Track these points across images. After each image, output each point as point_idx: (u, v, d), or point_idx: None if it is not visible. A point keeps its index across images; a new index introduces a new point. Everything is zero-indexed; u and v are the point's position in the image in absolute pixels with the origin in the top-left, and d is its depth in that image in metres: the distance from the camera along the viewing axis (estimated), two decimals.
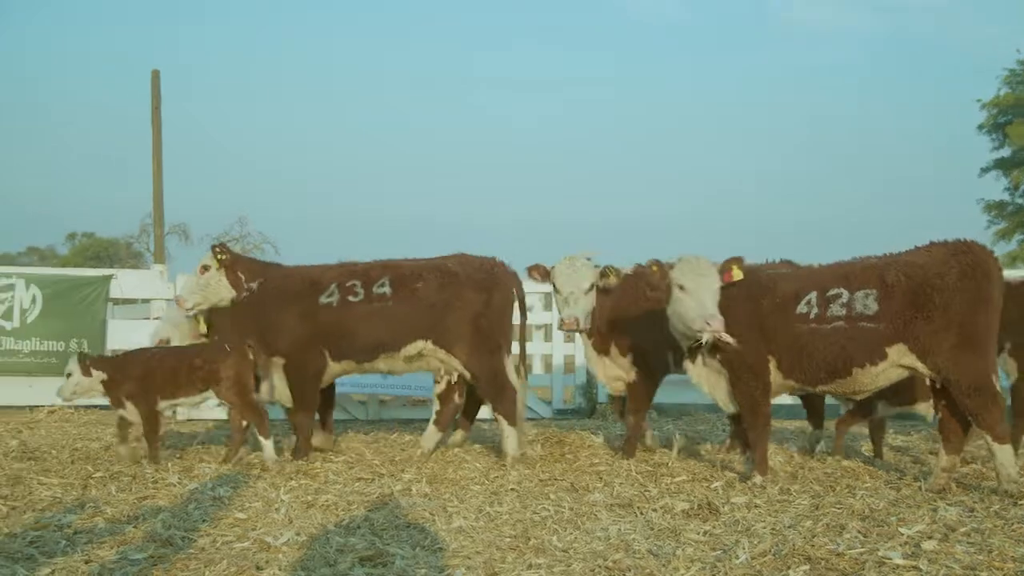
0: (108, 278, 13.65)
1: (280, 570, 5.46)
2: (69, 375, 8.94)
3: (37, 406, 12.74)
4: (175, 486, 7.91)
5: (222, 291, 9.54)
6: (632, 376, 9.66)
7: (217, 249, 9.60)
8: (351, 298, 9.40)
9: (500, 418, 9.50)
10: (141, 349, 9.67)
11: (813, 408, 9.79)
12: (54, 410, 12.78)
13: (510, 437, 9.42)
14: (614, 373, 9.80)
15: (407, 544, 6.00)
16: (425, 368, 9.88)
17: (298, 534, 6.23)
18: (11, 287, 13.35)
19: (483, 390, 9.64)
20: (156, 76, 16.47)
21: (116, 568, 5.50)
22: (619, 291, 9.47)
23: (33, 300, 13.35)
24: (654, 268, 8.16)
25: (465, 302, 9.43)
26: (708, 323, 7.66)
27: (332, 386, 10.52)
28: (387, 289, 9.41)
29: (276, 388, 9.47)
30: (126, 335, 13.67)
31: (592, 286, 9.21)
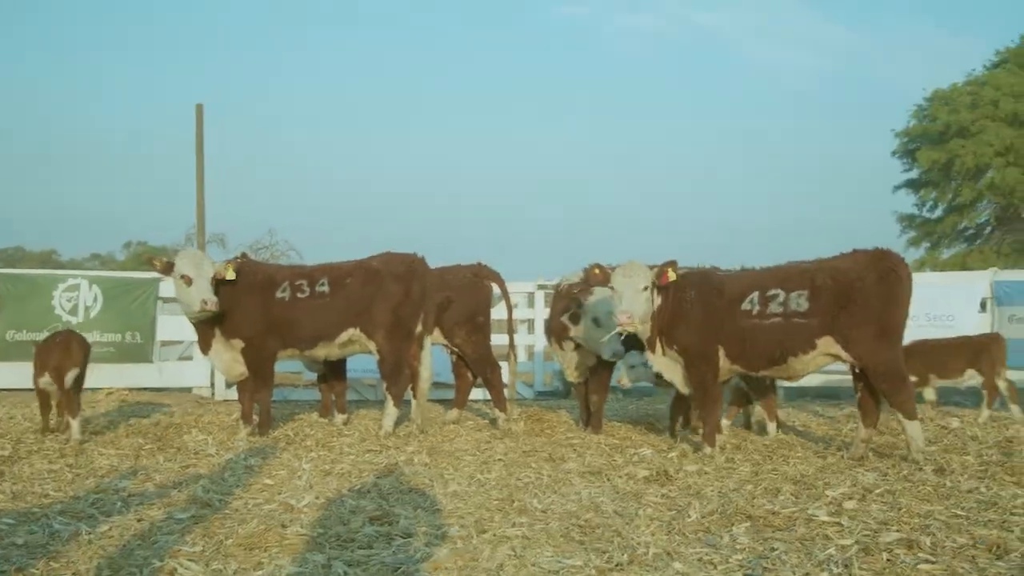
0: (157, 280, 13.51)
1: (302, 528, 5.42)
2: None
3: (97, 388, 12.64)
4: (213, 456, 7.87)
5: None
6: (592, 362, 9.65)
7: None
8: (299, 295, 9.36)
9: (388, 397, 9.44)
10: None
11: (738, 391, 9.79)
12: (111, 392, 12.69)
13: (391, 416, 9.37)
14: (575, 362, 9.85)
15: (410, 506, 5.97)
16: (356, 352, 9.82)
17: (317, 498, 6.20)
18: (77, 287, 13.27)
19: (384, 370, 9.52)
20: (200, 110, 16.32)
21: (163, 526, 5.46)
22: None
23: (95, 298, 13.28)
24: (596, 271, 8.26)
25: (387, 294, 9.38)
26: (619, 317, 7.93)
27: (344, 370, 10.51)
28: (326, 288, 9.39)
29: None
30: (172, 328, 13.58)
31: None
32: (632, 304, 7.98)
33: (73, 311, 13.19)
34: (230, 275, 9.07)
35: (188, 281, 8.81)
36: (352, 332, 9.43)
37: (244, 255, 9.95)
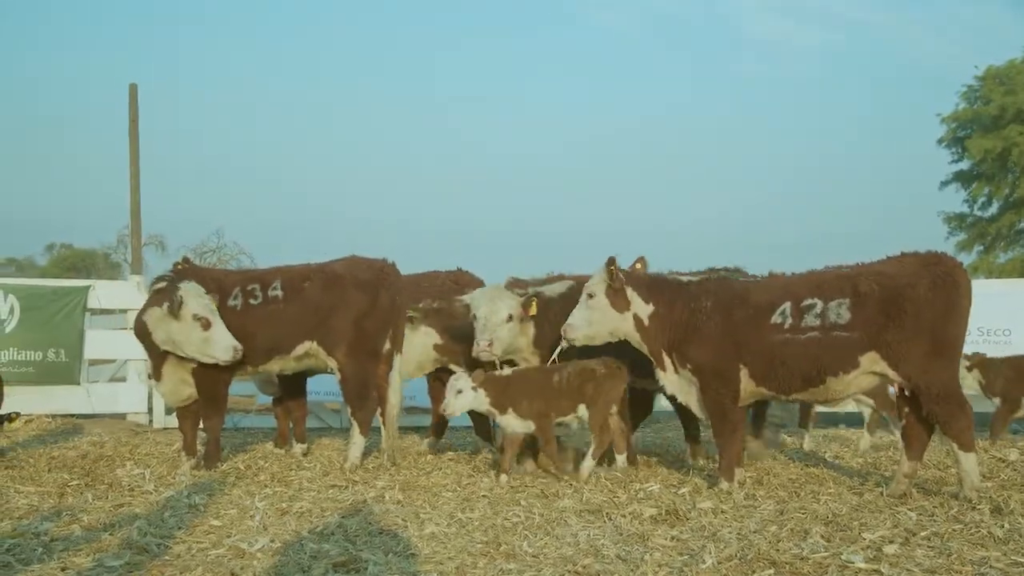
0: (86, 288, 13.54)
1: None
2: None
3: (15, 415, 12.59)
4: (151, 493, 7.86)
5: None
6: None
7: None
8: (252, 301, 9.37)
9: (355, 424, 9.49)
10: None
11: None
12: (31, 419, 12.65)
13: (357, 445, 9.44)
14: None
15: (380, 550, 5.98)
16: (314, 367, 9.87)
17: (272, 541, 6.20)
18: None
19: (347, 392, 9.57)
20: (134, 90, 16.44)
21: (92, 575, 5.46)
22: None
23: (11, 310, 13.21)
24: (638, 265, 8.69)
25: (350, 303, 9.43)
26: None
27: (304, 392, 10.52)
28: (279, 292, 9.40)
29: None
30: (103, 345, 13.58)
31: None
32: (576, 316, 8.46)
33: None
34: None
35: (206, 324, 8.79)
36: (309, 346, 9.46)
37: (186, 260, 9.95)
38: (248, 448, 10.48)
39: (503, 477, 8.46)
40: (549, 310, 9.27)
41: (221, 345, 8.81)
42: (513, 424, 8.68)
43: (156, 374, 9.40)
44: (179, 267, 9.50)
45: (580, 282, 9.17)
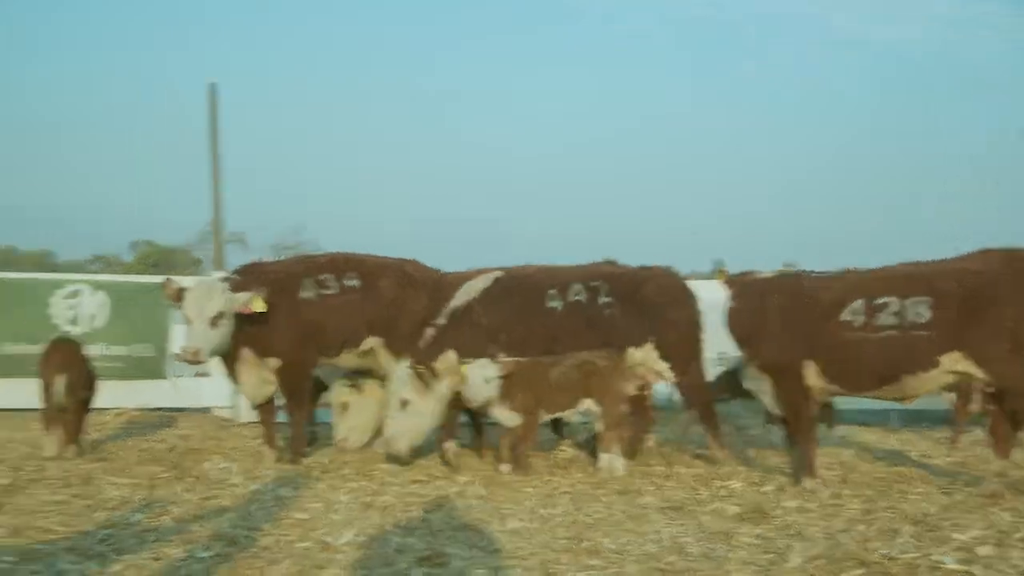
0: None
1: (341, 570, 5.49)
2: None
3: (105, 409, 12.83)
4: (237, 487, 7.98)
5: None
6: None
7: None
8: (325, 291, 9.42)
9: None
10: None
11: None
12: (121, 413, 12.87)
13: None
14: None
15: (464, 545, 6.01)
16: (370, 365, 9.89)
17: (358, 535, 6.26)
18: (78, 293, 13.46)
19: None
20: (213, 89, 16.61)
21: (183, 566, 5.55)
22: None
23: (100, 306, 13.45)
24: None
25: (417, 306, 9.50)
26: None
27: None
28: (356, 283, 9.50)
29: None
30: None
31: None
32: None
33: (74, 321, 13.37)
34: (258, 307, 8.94)
35: (187, 320, 8.82)
36: (373, 341, 9.59)
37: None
38: (331, 442, 10.56)
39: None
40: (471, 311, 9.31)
41: (180, 344, 8.82)
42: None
43: (232, 376, 9.52)
44: (250, 267, 9.62)
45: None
